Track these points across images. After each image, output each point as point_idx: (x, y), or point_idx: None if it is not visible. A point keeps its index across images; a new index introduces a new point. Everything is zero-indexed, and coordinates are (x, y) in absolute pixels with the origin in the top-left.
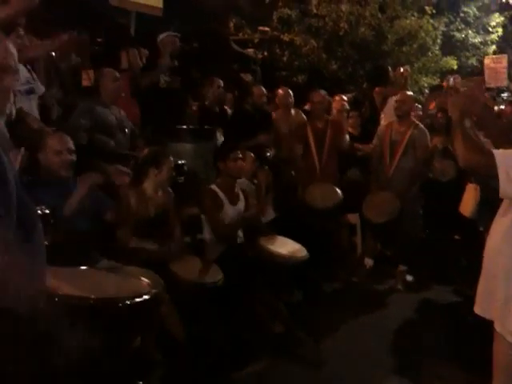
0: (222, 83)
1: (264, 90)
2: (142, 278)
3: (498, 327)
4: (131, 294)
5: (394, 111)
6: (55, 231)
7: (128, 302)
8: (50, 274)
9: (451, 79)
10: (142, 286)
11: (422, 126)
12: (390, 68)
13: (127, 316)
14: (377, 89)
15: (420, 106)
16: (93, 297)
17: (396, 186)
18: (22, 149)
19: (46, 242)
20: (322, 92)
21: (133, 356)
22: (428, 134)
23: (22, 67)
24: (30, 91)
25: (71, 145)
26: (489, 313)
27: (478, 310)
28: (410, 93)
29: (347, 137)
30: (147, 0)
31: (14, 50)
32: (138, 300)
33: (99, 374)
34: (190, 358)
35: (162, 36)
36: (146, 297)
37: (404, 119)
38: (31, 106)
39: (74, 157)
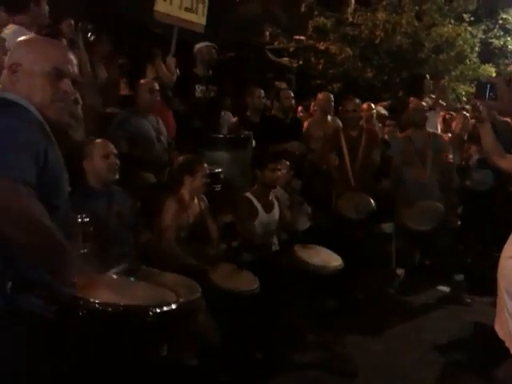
0: (262, 93)
1: (291, 93)
2: (172, 289)
3: (508, 345)
4: (158, 303)
5: (412, 119)
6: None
7: (157, 311)
8: (84, 280)
9: (481, 107)
10: (169, 296)
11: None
12: (427, 76)
13: (154, 324)
14: (412, 98)
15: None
16: (122, 304)
17: (432, 192)
18: None
19: (84, 250)
20: (356, 100)
21: (165, 361)
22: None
23: None
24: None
25: (115, 150)
26: (500, 331)
27: (496, 327)
28: (423, 102)
29: (380, 146)
30: (191, 16)
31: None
32: (165, 309)
33: (128, 379)
34: (224, 363)
35: (198, 46)
36: (173, 306)
37: (421, 127)
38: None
39: (118, 161)
